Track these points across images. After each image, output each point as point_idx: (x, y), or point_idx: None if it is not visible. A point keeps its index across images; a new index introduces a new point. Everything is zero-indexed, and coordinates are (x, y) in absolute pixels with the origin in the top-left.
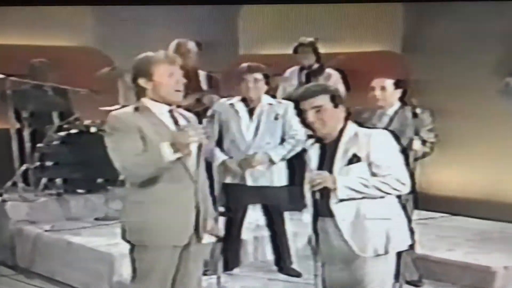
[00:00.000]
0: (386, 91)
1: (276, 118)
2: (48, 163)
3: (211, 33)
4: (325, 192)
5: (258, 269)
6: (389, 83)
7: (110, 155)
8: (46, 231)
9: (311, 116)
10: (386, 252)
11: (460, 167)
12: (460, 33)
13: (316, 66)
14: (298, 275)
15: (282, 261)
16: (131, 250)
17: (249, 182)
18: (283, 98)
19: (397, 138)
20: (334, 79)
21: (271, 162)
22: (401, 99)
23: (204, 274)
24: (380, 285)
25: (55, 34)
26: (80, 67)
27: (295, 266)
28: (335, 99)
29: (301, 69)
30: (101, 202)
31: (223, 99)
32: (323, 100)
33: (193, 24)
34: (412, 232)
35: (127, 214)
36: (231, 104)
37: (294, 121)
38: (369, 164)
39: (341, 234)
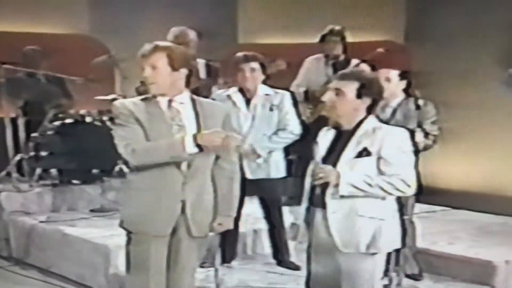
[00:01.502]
0: (391, 82)
1: (271, 109)
2: (43, 153)
3: (209, 20)
4: (324, 185)
5: (256, 261)
6: (394, 74)
7: (116, 137)
8: (41, 222)
9: (327, 95)
10: (368, 252)
11: (462, 160)
12: (463, 24)
13: (342, 57)
14: (296, 268)
15: (280, 254)
16: (126, 241)
17: (248, 175)
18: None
19: (413, 138)
20: None
21: (257, 155)
22: (405, 90)
23: (202, 266)
24: (364, 282)
25: (49, 21)
26: (75, 55)
27: (293, 259)
28: (361, 90)
29: (327, 58)
30: (97, 193)
31: (220, 91)
32: (349, 86)
33: (191, 11)
34: (404, 233)
35: (121, 201)
36: (228, 96)
37: (289, 112)
38: (378, 160)
39: (328, 226)
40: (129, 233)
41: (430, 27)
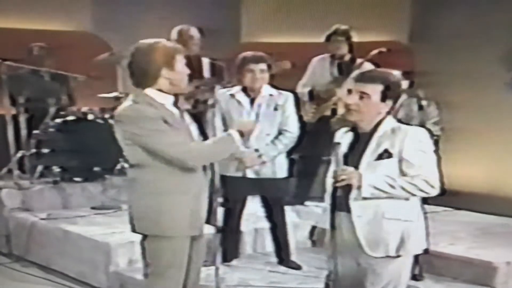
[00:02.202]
0: None
1: (275, 109)
2: (44, 150)
3: (212, 19)
4: (347, 188)
5: (257, 260)
6: (396, 74)
7: (165, 145)
8: (41, 219)
9: (351, 99)
10: (398, 255)
11: (464, 161)
12: (468, 24)
13: (348, 56)
14: (298, 267)
15: (282, 253)
16: (145, 244)
17: (250, 174)
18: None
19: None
20: None
21: (262, 162)
22: (408, 90)
23: (203, 265)
24: (391, 284)
25: (53, 18)
26: (77, 52)
27: (294, 258)
28: (386, 93)
29: (332, 58)
30: (98, 190)
31: (224, 90)
32: (374, 89)
33: (194, 9)
34: (428, 235)
35: (141, 204)
36: (232, 95)
37: (291, 114)
38: (400, 161)
39: (354, 230)
40: (155, 236)
41: (434, 27)
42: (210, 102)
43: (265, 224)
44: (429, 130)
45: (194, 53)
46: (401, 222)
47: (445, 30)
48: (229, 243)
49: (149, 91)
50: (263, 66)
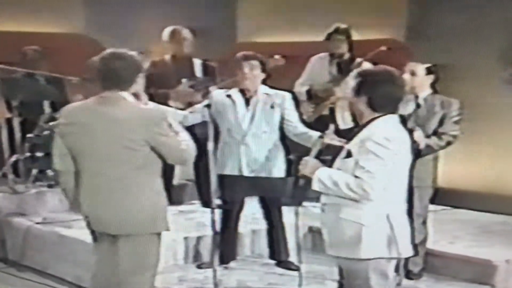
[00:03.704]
0: (417, 76)
1: (272, 107)
2: (39, 154)
3: (208, 19)
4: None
5: (255, 262)
6: (420, 68)
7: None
8: (37, 223)
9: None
10: (350, 257)
11: (462, 159)
12: (465, 21)
13: (347, 55)
14: (296, 268)
15: (279, 254)
16: (131, 244)
17: (246, 172)
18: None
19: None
20: None
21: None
22: (433, 85)
23: (200, 267)
24: (359, 285)
25: (45, 20)
26: (71, 54)
27: (292, 259)
28: (372, 103)
29: (331, 57)
30: None
31: (220, 90)
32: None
33: (188, 9)
34: (396, 243)
35: (156, 202)
36: (228, 95)
37: (293, 113)
38: (356, 163)
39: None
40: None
41: (431, 25)
42: (204, 102)
43: (263, 225)
44: (437, 132)
45: (186, 54)
46: (353, 224)
47: (443, 27)
48: (227, 245)
49: (125, 94)
50: (253, 62)
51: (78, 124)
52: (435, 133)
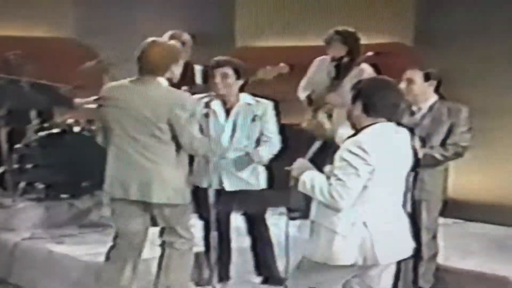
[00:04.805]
0: (415, 84)
1: (253, 120)
2: (28, 166)
3: (205, 23)
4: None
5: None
6: (418, 75)
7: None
8: (25, 239)
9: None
10: (322, 263)
11: (476, 169)
12: (476, 24)
13: (346, 59)
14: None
15: (266, 270)
16: (175, 212)
17: (227, 187)
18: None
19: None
20: (366, 75)
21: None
22: (437, 92)
23: (198, 284)
24: None
25: (32, 24)
26: (61, 60)
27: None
28: (367, 108)
29: (331, 60)
30: (87, 207)
31: (199, 96)
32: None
33: (186, 12)
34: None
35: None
36: (207, 103)
37: (271, 122)
38: (331, 170)
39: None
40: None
41: (440, 28)
42: (203, 111)
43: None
44: (445, 143)
45: (186, 60)
46: (327, 230)
47: (452, 30)
48: (223, 262)
49: (161, 80)
50: (226, 70)
51: (113, 98)
52: (443, 144)
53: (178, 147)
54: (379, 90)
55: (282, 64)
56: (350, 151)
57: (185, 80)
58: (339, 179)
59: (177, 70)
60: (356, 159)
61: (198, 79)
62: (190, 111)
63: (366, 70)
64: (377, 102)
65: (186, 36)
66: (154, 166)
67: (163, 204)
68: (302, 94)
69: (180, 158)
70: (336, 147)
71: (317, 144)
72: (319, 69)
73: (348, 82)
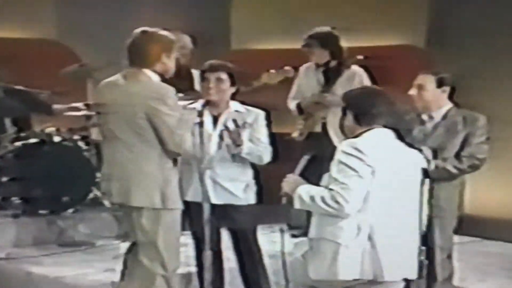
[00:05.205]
0: (427, 90)
1: (244, 127)
2: (3, 179)
3: (199, 23)
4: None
5: None
6: (429, 80)
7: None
8: (1, 259)
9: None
10: (329, 279)
11: (495, 183)
12: (492, 25)
13: (333, 63)
14: None
15: None
16: (155, 219)
17: (213, 199)
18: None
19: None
20: (359, 78)
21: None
22: (451, 99)
23: None
24: None
25: (10, 24)
26: (40, 64)
27: None
28: (358, 118)
29: (317, 66)
30: (68, 224)
31: (186, 101)
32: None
33: (178, 13)
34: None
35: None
36: (193, 108)
37: (262, 132)
38: (330, 176)
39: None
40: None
41: (455, 29)
42: (197, 120)
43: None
44: (459, 156)
45: (184, 63)
46: (329, 243)
47: (467, 31)
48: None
49: (147, 71)
50: (221, 75)
51: (104, 101)
52: (458, 156)
53: (164, 147)
54: (368, 99)
55: (287, 68)
56: (346, 152)
57: (183, 84)
58: (341, 183)
59: (170, 63)
60: (354, 160)
61: (197, 85)
62: (175, 110)
63: (358, 72)
64: (367, 111)
65: (185, 39)
66: (134, 167)
67: (142, 208)
68: (292, 104)
69: (166, 160)
70: (325, 160)
71: (305, 159)
72: (306, 77)
73: (339, 87)
